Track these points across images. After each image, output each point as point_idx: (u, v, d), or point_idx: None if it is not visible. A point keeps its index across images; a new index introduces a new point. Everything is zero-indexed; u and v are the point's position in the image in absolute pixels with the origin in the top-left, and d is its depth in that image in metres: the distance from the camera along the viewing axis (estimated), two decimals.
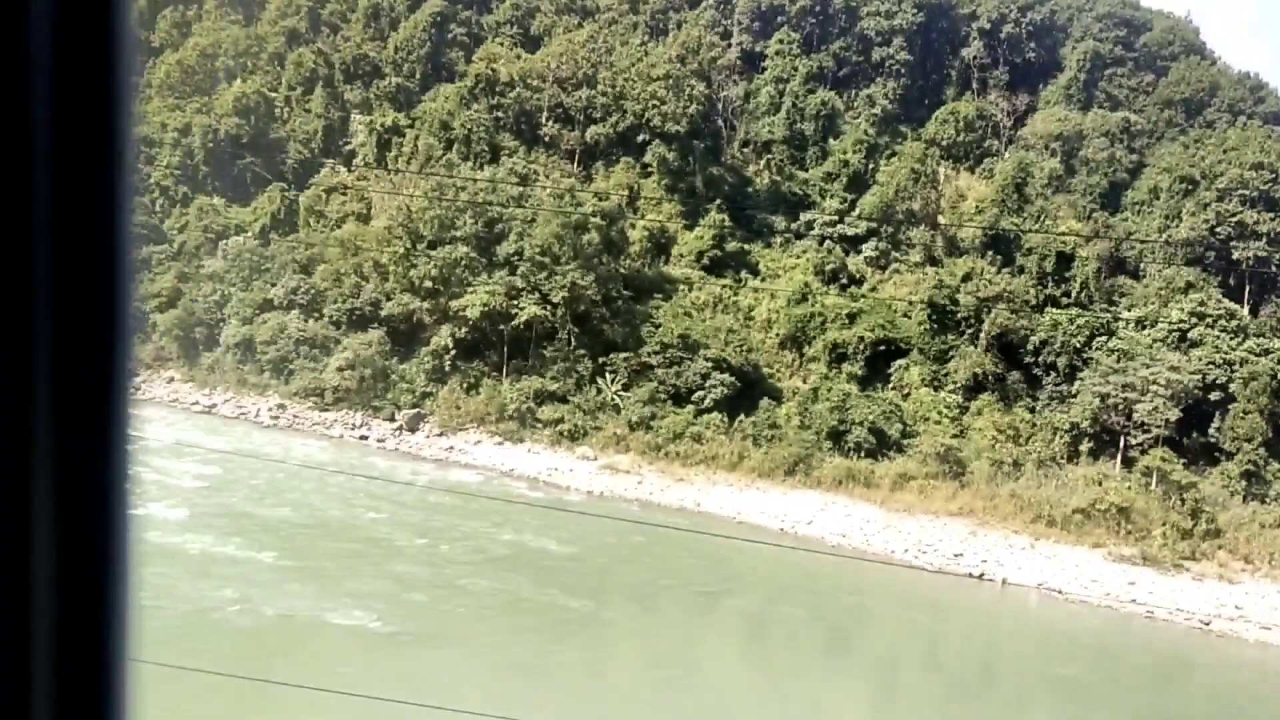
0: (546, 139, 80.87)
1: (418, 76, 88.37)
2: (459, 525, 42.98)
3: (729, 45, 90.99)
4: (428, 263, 65.47)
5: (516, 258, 65.67)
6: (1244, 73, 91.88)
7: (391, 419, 63.43)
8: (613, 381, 64.49)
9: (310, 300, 68.60)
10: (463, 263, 65.36)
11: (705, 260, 74.39)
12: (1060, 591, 45.33)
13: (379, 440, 61.03)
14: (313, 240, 73.82)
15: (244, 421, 61.81)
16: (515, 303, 64.17)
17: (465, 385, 65.24)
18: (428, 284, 65.90)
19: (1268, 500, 51.98)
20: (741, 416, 62.59)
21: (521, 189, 71.42)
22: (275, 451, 51.00)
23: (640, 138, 78.89)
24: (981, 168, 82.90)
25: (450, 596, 34.59)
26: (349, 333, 67.20)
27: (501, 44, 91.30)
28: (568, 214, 65.02)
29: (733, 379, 63.87)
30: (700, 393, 63.45)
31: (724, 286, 73.08)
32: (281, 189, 78.25)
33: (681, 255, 75.02)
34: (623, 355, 64.84)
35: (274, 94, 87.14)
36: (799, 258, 77.21)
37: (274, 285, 69.09)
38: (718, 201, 76.27)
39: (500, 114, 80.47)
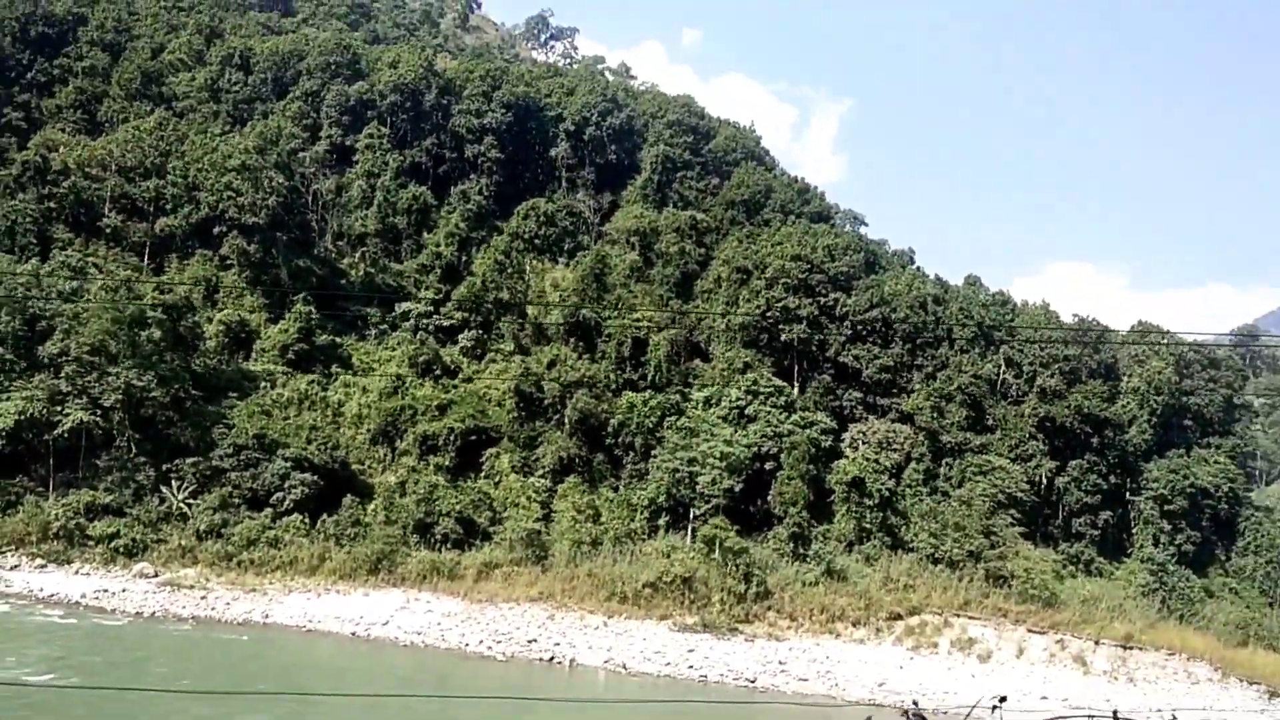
0: (109, 231, 74.66)
1: None
2: None
3: (318, 139, 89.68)
4: None
5: (62, 358, 59.26)
6: (794, 177, 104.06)
7: None
8: (180, 489, 59.38)
9: None
10: None
11: (291, 354, 71.42)
12: (624, 666, 46.72)
13: None
14: None
15: None
16: (59, 409, 57.60)
17: (3, 504, 57.28)
18: None
19: (808, 559, 57.14)
20: (324, 516, 59.86)
21: (75, 284, 64.93)
22: None
23: (217, 230, 75.05)
24: (574, 260, 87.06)
25: None
26: None
27: (62, 129, 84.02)
28: (120, 309, 59.69)
29: (315, 478, 61.04)
30: (279, 494, 60.01)
31: (310, 382, 70.38)
32: None
33: (264, 350, 71.56)
34: (190, 460, 60.00)
35: None
36: (394, 350, 76.43)
37: None
38: (303, 294, 73.75)
39: (53, 204, 73.41)
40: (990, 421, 69.77)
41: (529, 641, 49.24)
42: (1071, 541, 66.95)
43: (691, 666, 47.50)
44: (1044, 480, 67.80)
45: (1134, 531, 68.09)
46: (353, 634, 49.00)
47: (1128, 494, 70.14)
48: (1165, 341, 75.09)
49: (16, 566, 54.38)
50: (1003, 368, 72.28)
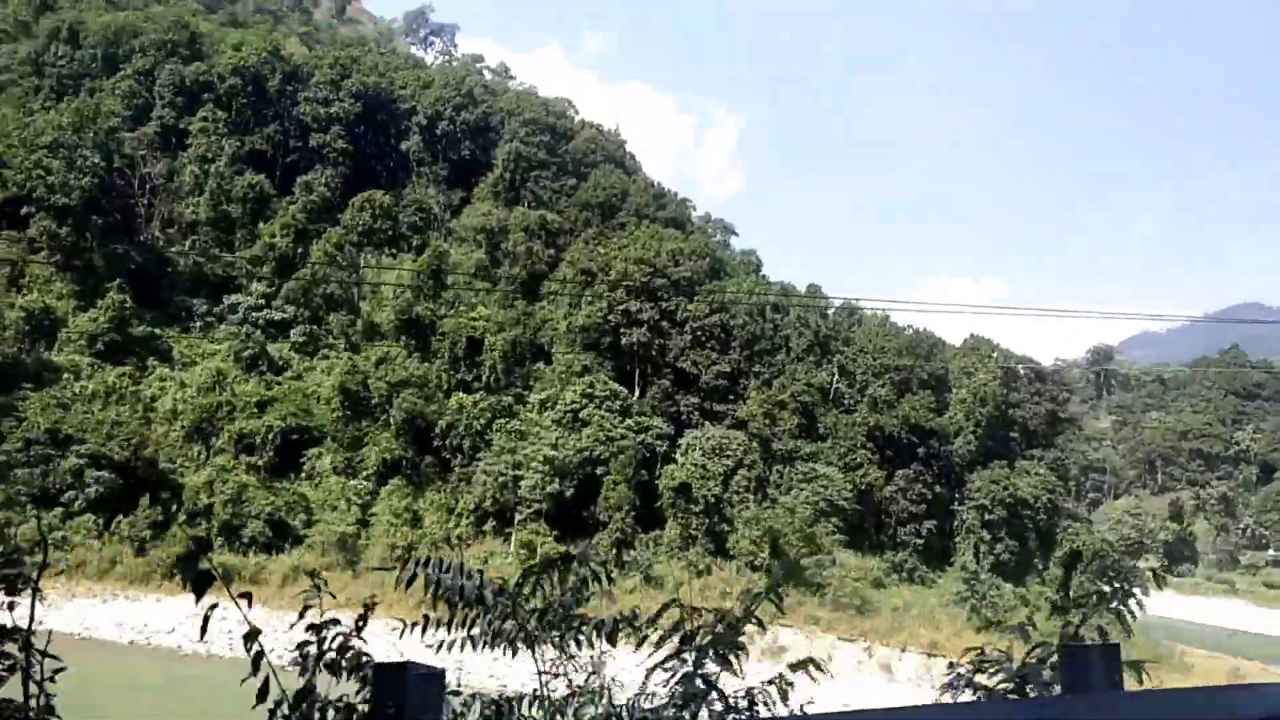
0: None
1: None
2: None
3: (149, 119, 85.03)
4: None
5: None
6: (650, 181, 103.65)
7: None
8: None
9: None
10: None
11: (100, 345, 67.17)
12: None
13: None
14: None
15: None
16: None
17: None
18: None
19: (624, 566, 56.25)
20: (120, 518, 56.31)
21: None
22: None
23: (25, 210, 70.22)
24: (422, 257, 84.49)
25: None
26: None
27: None
28: None
29: (114, 476, 57.40)
30: (71, 493, 56.27)
31: (121, 375, 66.30)
32: None
33: (71, 340, 67.17)
34: None
35: None
36: (220, 344, 72.83)
37: None
38: (118, 281, 69.55)
39: None
40: (822, 429, 70.30)
41: None
42: (896, 550, 67.82)
43: (492, 675, 45.95)
44: (873, 489, 68.54)
45: (956, 540, 69.39)
46: (131, 642, 46.07)
47: (954, 503, 71.49)
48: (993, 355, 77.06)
49: None
50: (836, 377, 73.01)
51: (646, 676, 4.77)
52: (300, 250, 79.76)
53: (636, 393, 72.63)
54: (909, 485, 68.39)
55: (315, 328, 74.48)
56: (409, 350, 68.95)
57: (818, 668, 4.48)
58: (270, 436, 64.07)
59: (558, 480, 59.97)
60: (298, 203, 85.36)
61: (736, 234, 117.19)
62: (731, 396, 71.53)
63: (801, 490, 62.62)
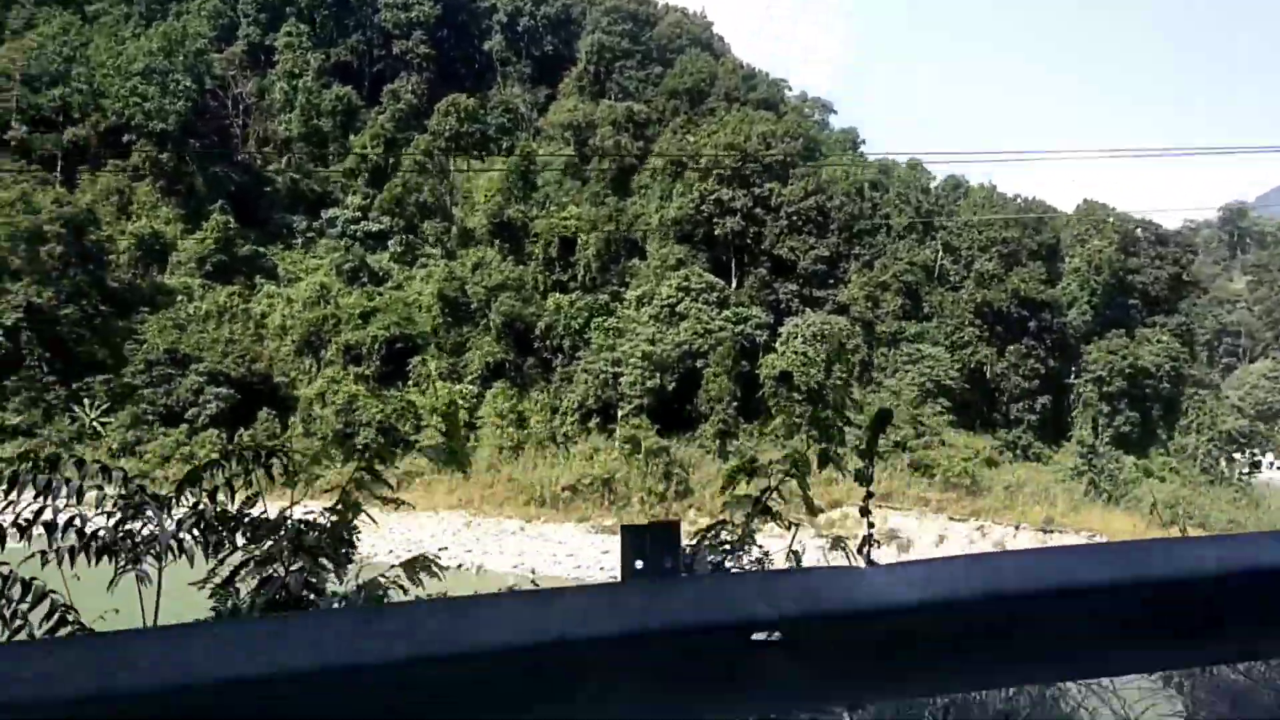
0: (14, 144, 71.43)
1: None
2: None
3: (235, 39, 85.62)
4: None
5: None
6: (739, 62, 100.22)
7: None
8: (92, 407, 57.99)
9: None
10: None
11: (209, 266, 69.17)
12: (533, 571, 45.93)
13: None
14: None
15: None
16: None
17: None
18: None
19: (729, 456, 56.12)
20: (241, 431, 58.56)
21: None
22: None
23: (126, 138, 71.96)
24: (510, 159, 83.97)
25: None
26: None
27: None
28: (15, 225, 57.42)
29: (232, 392, 59.79)
30: (194, 410, 58.76)
31: (231, 294, 68.27)
32: None
33: (181, 263, 69.30)
34: (100, 378, 58.50)
35: None
36: (322, 258, 74.21)
37: None
38: (219, 203, 71.10)
39: None
40: (927, 309, 68.18)
41: (440, 549, 48.40)
42: (1010, 427, 66.04)
43: (603, 568, 46.82)
44: (983, 367, 66.54)
45: (1073, 415, 67.12)
46: None
47: (1071, 377, 68.97)
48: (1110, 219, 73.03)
49: None
50: (940, 254, 70.36)
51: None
52: (391, 160, 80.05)
53: (734, 283, 71.53)
54: (1021, 361, 66.10)
55: (411, 237, 75.08)
56: (503, 253, 69.05)
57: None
58: (375, 346, 65.37)
59: (658, 375, 59.80)
60: (386, 112, 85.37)
61: (835, 112, 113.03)
62: (831, 281, 69.79)
63: (907, 372, 61.10)
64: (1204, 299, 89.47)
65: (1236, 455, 71.60)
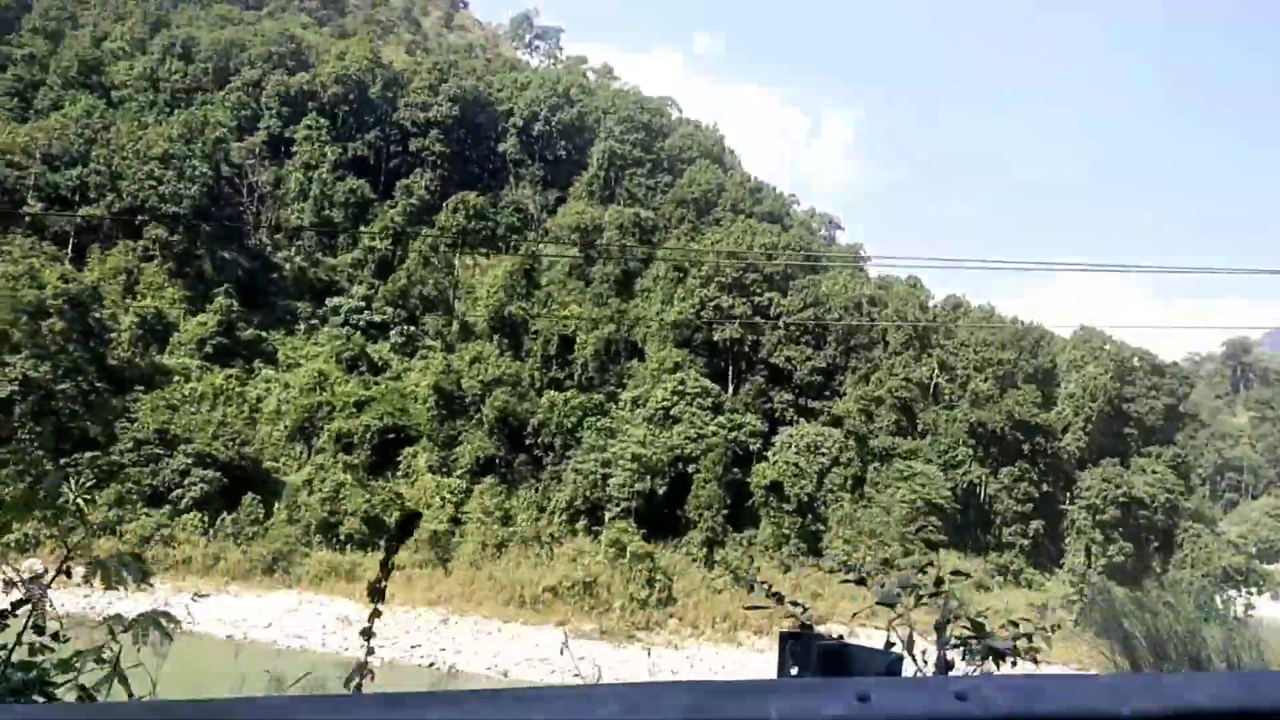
0: (27, 220, 72.86)
1: None
2: None
3: (256, 129, 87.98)
4: None
5: None
6: (747, 176, 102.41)
7: None
8: (80, 483, 57.62)
9: None
10: None
11: (209, 348, 69.61)
12: (505, 674, 45.00)
13: None
14: None
15: None
16: None
17: None
18: None
19: (715, 566, 55.40)
20: (224, 515, 58.18)
21: None
22: None
23: (139, 220, 73.32)
24: (514, 257, 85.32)
25: None
26: None
27: None
28: (19, 299, 58.08)
29: (218, 475, 59.35)
30: (178, 491, 58.38)
31: (228, 377, 68.55)
32: None
33: (182, 343, 69.78)
34: (89, 455, 58.31)
35: None
36: (322, 345, 74.73)
37: None
38: (225, 286, 71.99)
39: None
40: (921, 426, 68.07)
41: (412, 647, 47.51)
42: (1002, 551, 65.22)
43: (576, 675, 45.69)
44: (976, 488, 66.07)
45: (1066, 542, 66.31)
46: (228, 637, 47.17)
47: (1065, 502, 68.38)
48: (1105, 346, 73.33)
49: None
50: (936, 371, 70.56)
51: None
52: (398, 253, 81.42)
53: (731, 389, 71.74)
54: (1014, 484, 65.70)
55: (413, 328, 75.80)
56: (502, 349, 69.52)
57: None
58: (368, 435, 65.26)
59: (648, 478, 59.45)
60: (397, 206, 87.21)
61: (842, 228, 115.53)
62: (827, 393, 69.94)
63: (898, 489, 60.65)
64: (1204, 432, 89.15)
65: (1233, 593, 70.35)
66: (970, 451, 66.08)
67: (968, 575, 4.28)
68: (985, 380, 68.71)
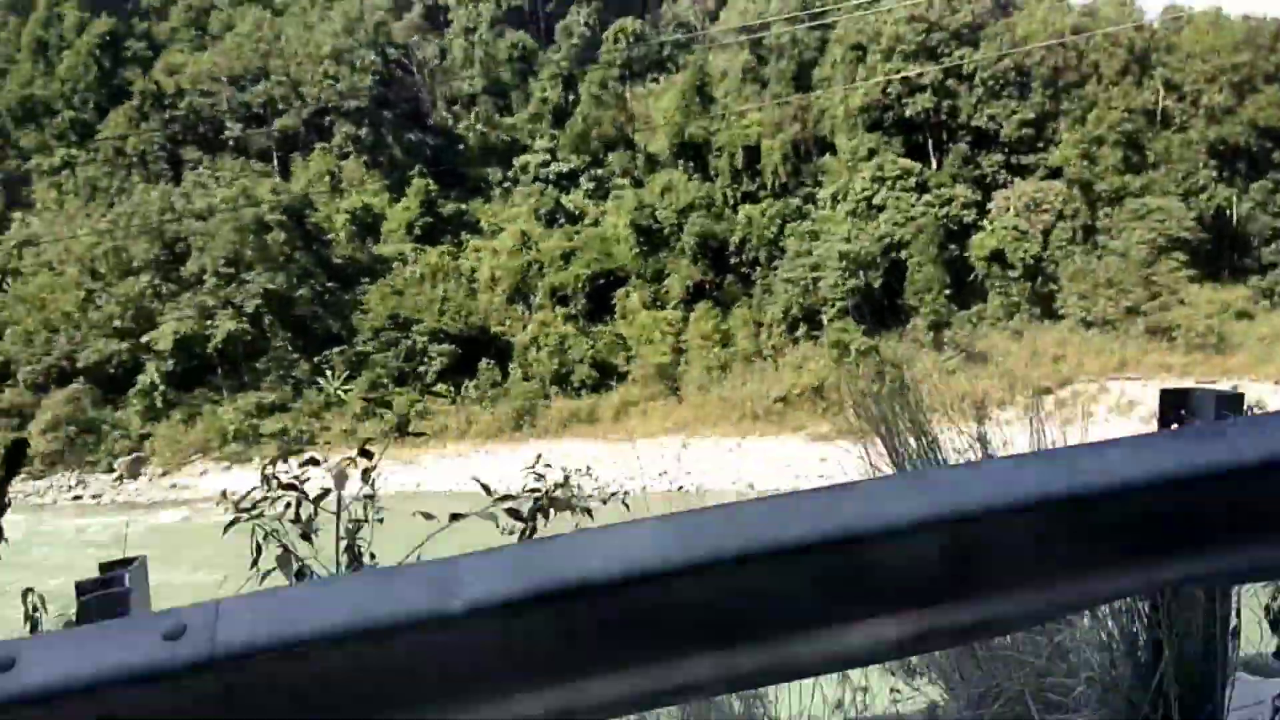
0: (231, 142, 77.29)
1: (91, 105, 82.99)
2: None
3: (411, 5, 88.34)
4: (109, 301, 62.34)
5: (203, 274, 62.96)
6: None
7: (110, 470, 60.56)
8: (334, 377, 62.76)
9: (2, 369, 64.67)
10: (147, 293, 62.45)
11: (417, 230, 72.66)
12: (751, 485, 46.13)
13: (94, 496, 58.14)
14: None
15: None
16: (210, 322, 61.58)
17: (184, 418, 62.56)
18: (117, 323, 62.75)
19: (944, 347, 53.74)
20: (466, 382, 61.86)
21: (206, 201, 68.09)
22: None
23: (328, 120, 76.21)
24: (682, 76, 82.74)
25: None
26: (54, 393, 63.67)
27: (181, 50, 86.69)
28: (240, 218, 62.44)
29: (453, 347, 63.06)
30: (422, 368, 62.46)
31: (442, 254, 71.49)
32: None
33: (392, 231, 73.14)
34: (337, 350, 63.12)
35: None
36: (519, 206, 76.26)
37: None
38: (418, 167, 74.24)
39: (177, 126, 76.54)
40: (1153, 158, 61.99)
41: (660, 474, 49.42)
42: (1264, 273, 59.48)
43: (822, 476, 46.23)
44: (1225, 211, 60.10)
45: None
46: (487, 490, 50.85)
47: None
48: None
49: (205, 472, 59.74)
50: (1161, 94, 63.52)
51: None
52: (572, 97, 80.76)
53: (934, 164, 67.87)
54: (1268, 198, 59.15)
55: (600, 171, 75.73)
56: (689, 173, 68.44)
57: None
58: (580, 285, 66.79)
59: (861, 273, 57.87)
60: (560, 50, 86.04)
61: None
62: (1040, 145, 64.77)
63: (1134, 229, 56.05)
64: None
65: None
66: (1212, 174, 59.77)
67: None
68: (1219, 92, 61.23)
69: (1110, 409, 47.26)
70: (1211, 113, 61.17)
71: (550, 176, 77.01)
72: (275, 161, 78.28)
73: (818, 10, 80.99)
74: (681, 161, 68.99)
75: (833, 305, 57.30)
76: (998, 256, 57.25)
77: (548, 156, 78.12)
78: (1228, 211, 60.07)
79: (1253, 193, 59.77)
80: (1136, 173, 61.05)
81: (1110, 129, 61.18)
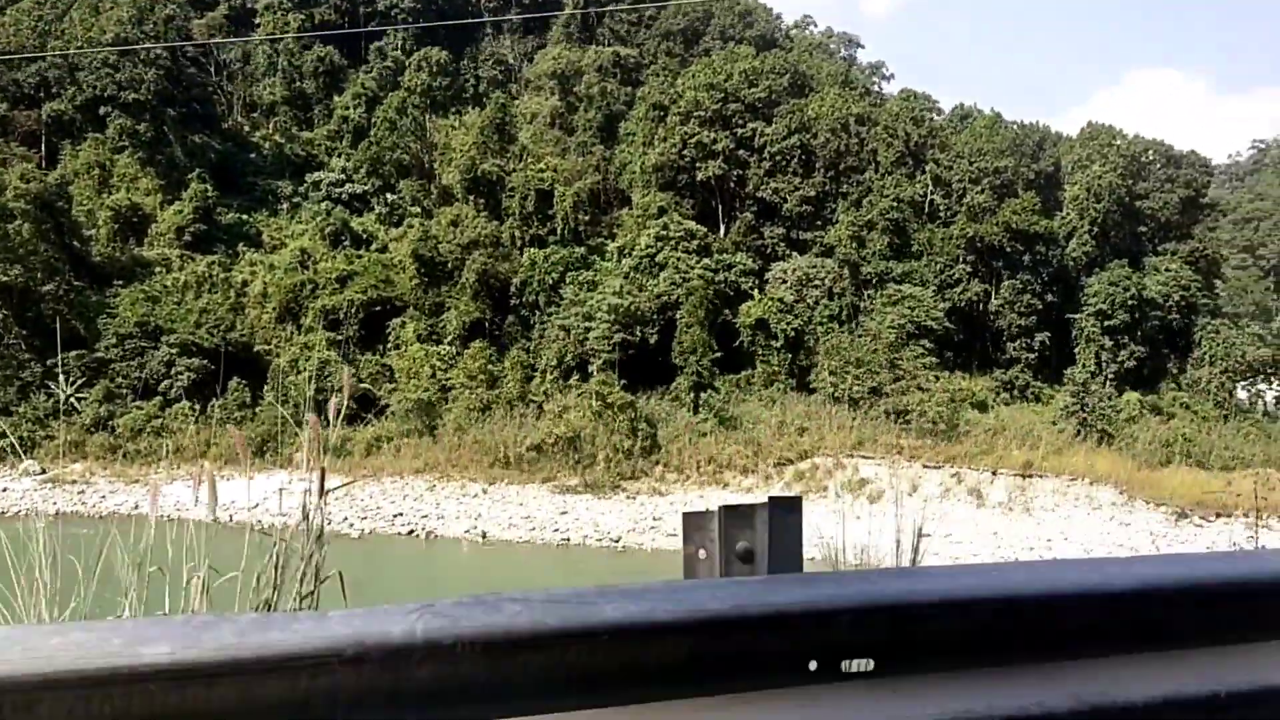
0: None
1: None
2: None
3: (216, 3, 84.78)
4: None
5: None
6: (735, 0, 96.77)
7: None
8: (68, 382, 58.13)
9: None
10: None
11: (187, 236, 68.78)
12: (483, 535, 45.13)
13: None
14: None
15: None
16: None
17: None
18: None
19: (700, 409, 54.48)
20: (213, 401, 58.45)
21: None
22: None
23: (102, 110, 71.61)
24: (484, 111, 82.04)
25: None
26: None
27: None
28: None
29: (205, 362, 59.61)
30: (166, 382, 58.72)
31: (211, 264, 67.82)
32: None
33: (160, 234, 69.02)
34: (75, 353, 58.60)
35: None
36: (306, 223, 73.47)
37: None
38: (198, 171, 70.52)
39: None
40: (915, 247, 65.30)
41: (394, 516, 47.88)
42: (1007, 367, 63.30)
43: (556, 530, 45.79)
44: (976, 305, 63.77)
45: (1075, 351, 64.04)
46: (214, 519, 47.89)
47: (1071, 312, 65.77)
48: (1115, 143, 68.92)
49: None
50: (930, 188, 67.21)
51: None
52: (374, 119, 78.85)
53: (721, 229, 69.46)
54: (1016, 297, 63.13)
55: (393, 197, 74.02)
56: (479, 210, 67.58)
57: None
58: (354, 310, 64.59)
59: (635, 328, 58.18)
60: (371, 71, 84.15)
61: (862, 46, 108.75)
62: (819, 222, 67.30)
63: (886, 314, 58.62)
64: (1226, 221, 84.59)
65: (1262, 386, 68.08)
66: (968, 268, 63.38)
67: None
68: (981, 192, 65.25)
69: (842, 486, 48.74)
70: (973, 211, 64.99)
71: (343, 196, 74.68)
72: (43, 148, 73.02)
73: (630, 66, 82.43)
74: (474, 197, 68.13)
75: (599, 357, 57.27)
76: (763, 326, 58.72)
77: (342, 176, 75.84)
78: (980, 306, 63.77)
79: (1003, 290, 63.64)
80: (900, 259, 64.08)
81: (880, 215, 64.11)
